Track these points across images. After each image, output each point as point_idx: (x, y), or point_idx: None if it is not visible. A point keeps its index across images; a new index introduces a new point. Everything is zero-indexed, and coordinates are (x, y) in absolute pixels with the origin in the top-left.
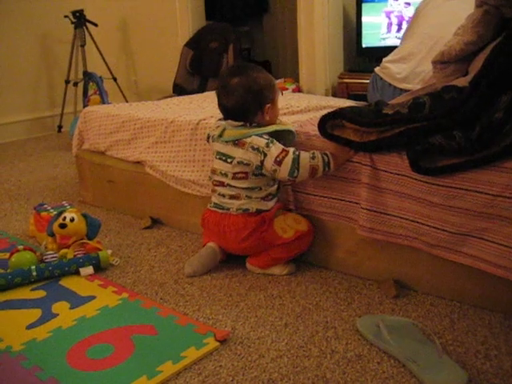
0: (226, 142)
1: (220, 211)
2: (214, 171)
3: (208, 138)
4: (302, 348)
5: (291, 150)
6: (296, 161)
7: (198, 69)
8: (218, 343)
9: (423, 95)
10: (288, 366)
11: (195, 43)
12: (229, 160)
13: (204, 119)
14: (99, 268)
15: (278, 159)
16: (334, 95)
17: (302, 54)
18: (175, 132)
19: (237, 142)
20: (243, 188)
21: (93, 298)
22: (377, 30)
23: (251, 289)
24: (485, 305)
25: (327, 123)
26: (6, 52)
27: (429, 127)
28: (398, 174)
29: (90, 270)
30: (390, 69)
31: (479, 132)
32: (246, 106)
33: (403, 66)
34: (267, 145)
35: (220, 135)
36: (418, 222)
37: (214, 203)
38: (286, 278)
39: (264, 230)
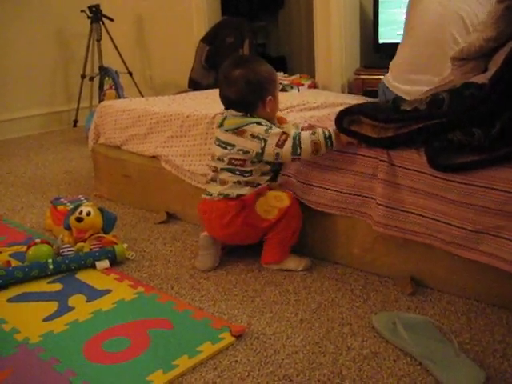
0: (226, 130)
1: (208, 198)
2: (212, 157)
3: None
4: (317, 344)
5: (292, 132)
6: (297, 139)
7: (214, 64)
8: (233, 338)
9: (442, 92)
10: (304, 362)
11: (211, 38)
12: (228, 148)
13: (220, 113)
14: (115, 262)
15: (279, 143)
16: (350, 91)
17: (317, 49)
18: (191, 126)
19: (236, 131)
20: (236, 173)
21: (109, 291)
22: (394, 25)
23: (267, 284)
24: (502, 303)
25: (344, 119)
26: (23, 47)
27: (448, 124)
28: (415, 171)
29: (106, 263)
30: (398, 88)
31: (499, 129)
32: (247, 98)
33: (411, 90)
34: (266, 131)
35: (221, 124)
36: (434, 219)
37: (206, 192)
38: (301, 273)
39: (246, 214)
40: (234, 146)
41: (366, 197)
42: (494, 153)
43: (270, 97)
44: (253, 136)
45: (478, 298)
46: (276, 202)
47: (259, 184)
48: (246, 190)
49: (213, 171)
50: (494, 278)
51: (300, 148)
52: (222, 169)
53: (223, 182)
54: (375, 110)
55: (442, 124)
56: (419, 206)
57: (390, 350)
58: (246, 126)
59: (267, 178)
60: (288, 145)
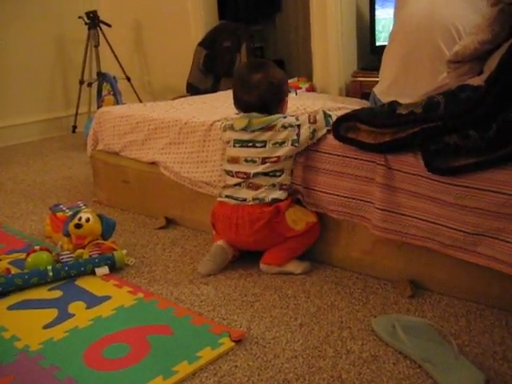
0: (253, 131)
1: (233, 202)
2: (234, 160)
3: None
4: (317, 348)
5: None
6: (325, 113)
7: (212, 68)
8: (233, 343)
9: (438, 94)
10: (303, 366)
11: (208, 42)
12: (259, 145)
13: (218, 120)
14: (114, 268)
15: (311, 120)
16: (348, 94)
17: (315, 52)
18: (189, 133)
19: (265, 128)
20: (270, 174)
21: (108, 297)
22: (391, 27)
23: (266, 289)
24: (501, 305)
25: (341, 126)
26: (21, 53)
27: (444, 127)
28: (413, 174)
29: (105, 269)
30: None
31: (495, 131)
32: (269, 101)
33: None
34: (297, 119)
35: (246, 126)
36: (432, 222)
37: (226, 195)
38: (300, 277)
39: (278, 220)
40: (265, 141)
41: (365, 201)
42: (491, 155)
43: (287, 98)
44: (284, 127)
45: (477, 300)
46: (303, 215)
47: (290, 187)
48: (279, 194)
49: (240, 177)
50: (493, 280)
51: (331, 118)
52: (256, 173)
53: (257, 187)
54: (371, 116)
55: (438, 127)
56: (417, 210)
57: (390, 353)
58: (274, 121)
59: (290, 177)
60: (319, 117)
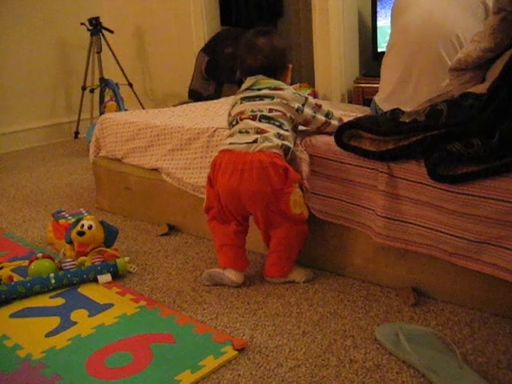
0: (260, 89)
1: (240, 147)
2: (240, 113)
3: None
4: (320, 357)
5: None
6: (329, 110)
7: (214, 74)
8: (236, 352)
9: (440, 102)
10: (306, 375)
11: (211, 49)
12: (266, 99)
13: (221, 128)
14: (117, 275)
15: (317, 104)
16: (350, 100)
17: (317, 58)
18: (192, 140)
19: (274, 88)
20: (276, 124)
21: (111, 305)
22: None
23: (269, 296)
24: (505, 313)
25: (344, 134)
26: (24, 58)
27: (447, 135)
28: (416, 182)
29: (107, 277)
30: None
31: (498, 139)
32: (274, 64)
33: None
34: (305, 96)
35: (253, 84)
36: (435, 230)
37: (231, 142)
38: (303, 285)
39: (285, 189)
40: (273, 97)
41: (367, 208)
42: (494, 163)
43: (290, 65)
44: (294, 93)
45: (480, 308)
46: (302, 203)
47: (291, 150)
48: (290, 143)
49: (243, 119)
50: (496, 288)
51: (332, 115)
52: (262, 116)
53: (265, 131)
54: (374, 124)
55: (441, 135)
56: (420, 217)
57: (393, 362)
58: (282, 85)
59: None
60: (324, 108)
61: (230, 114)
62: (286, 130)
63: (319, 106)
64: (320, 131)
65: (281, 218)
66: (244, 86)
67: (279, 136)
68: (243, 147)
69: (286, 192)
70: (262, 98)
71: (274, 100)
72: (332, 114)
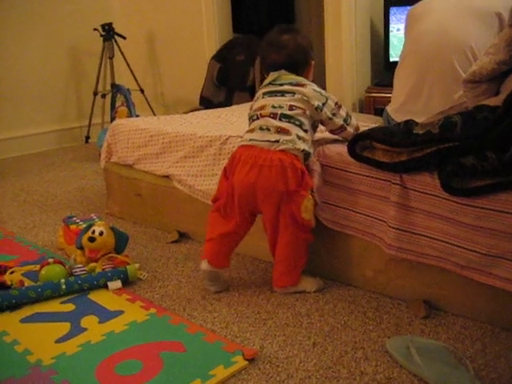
0: (281, 84)
1: (261, 145)
2: (261, 108)
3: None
4: (330, 369)
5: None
6: (349, 113)
7: (225, 81)
8: (246, 362)
9: (454, 115)
10: None
11: (222, 56)
12: (287, 95)
13: (233, 136)
14: (127, 282)
15: (337, 104)
16: (361, 109)
17: (328, 67)
18: (204, 147)
19: (296, 84)
20: (296, 123)
21: (121, 312)
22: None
23: (279, 306)
24: None
25: (357, 145)
26: (37, 63)
27: (461, 147)
28: (429, 194)
29: (118, 284)
30: (401, 120)
31: None
32: (297, 60)
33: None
34: (326, 93)
35: (275, 78)
36: (447, 243)
37: (252, 139)
38: (313, 295)
39: (300, 191)
40: (294, 93)
41: (378, 219)
42: (507, 176)
43: (312, 62)
44: (315, 90)
45: (492, 322)
46: (311, 210)
47: (310, 156)
48: (309, 148)
49: (263, 116)
50: (508, 303)
51: (351, 118)
52: (282, 114)
53: (286, 132)
54: (387, 135)
55: (455, 148)
56: (432, 229)
57: (404, 375)
58: (304, 81)
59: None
60: (344, 111)
61: (251, 108)
62: (306, 131)
63: (339, 107)
64: (333, 134)
65: (289, 220)
66: (266, 80)
67: (300, 138)
68: (265, 144)
69: (301, 195)
70: (283, 93)
71: (295, 96)
72: (350, 119)
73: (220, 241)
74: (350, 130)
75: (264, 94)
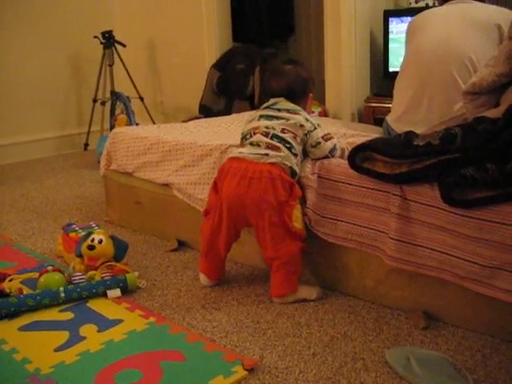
0: (279, 109)
1: (252, 157)
2: (255, 128)
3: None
4: (330, 379)
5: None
6: (337, 145)
7: (225, 90)
8: (245, 372)
9: (455, 126)
10: None
11: (222, 65)
12: (281, 120)
13: (234, 145)
14: (126, 290)
15: (325, 137)
16: (360, 119)
17: (328, 76)
18: (203, 156)
19: (292, 112)
20: (286, 145)
21: (120, 321)
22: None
23: (278, 316)
24: None
25: (357, 156)
26: (37, 70)
27: (461, 159)
28: (429, 205)
29: (117, 292)
30: (401, 130)
31: None
32: (295, 90)
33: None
34: (317, 124)
35: (273, 103)
36: (448, 254)
37: (241, 152)
38: (313, 305)
39: (290, 202)
40: (288, 119)
41: (379, 230)
42: (508, 188)
43: (311, 94)
44: (307, 119)
45: (492, 333)
46: (301, 220)
47: (297, 176)
48: (297, 168)
49: (256, 133)
50: (508, 314)
51: (336, 151)
52: (274, 135)
53: (277, 148)
54: (387, 146)
55: (455, 159)
56: (432, 241)
57: None
58: (299, 110)
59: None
60: (331, 143)
61: (245, 126)
62: (295, 155)
63: (326, 140)
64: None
65: (283, 231)
66: (265, 104)
67: (289, 157)
68: (254, 157)
69: (291, 205)
70: (278, 118)
71: (289, 122)
72: (336, 152)
73: (212, 257)
74: (335, 161)
75: (261, 116)
